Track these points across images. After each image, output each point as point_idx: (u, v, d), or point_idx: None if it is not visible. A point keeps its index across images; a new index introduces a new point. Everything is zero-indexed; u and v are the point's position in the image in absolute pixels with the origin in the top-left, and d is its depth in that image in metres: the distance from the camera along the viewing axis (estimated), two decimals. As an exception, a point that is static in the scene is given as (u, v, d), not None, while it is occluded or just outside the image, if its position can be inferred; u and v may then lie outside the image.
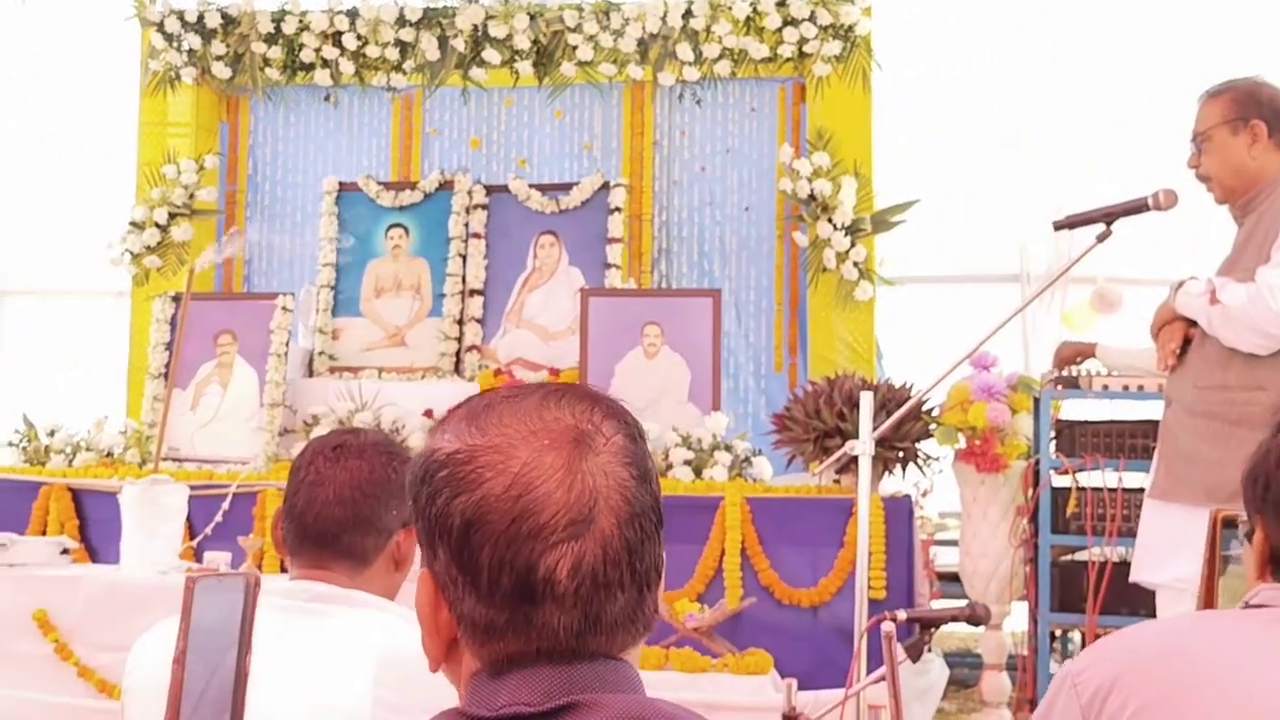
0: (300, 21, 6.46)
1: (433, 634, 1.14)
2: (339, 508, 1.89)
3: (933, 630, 2.95)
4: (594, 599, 1.06)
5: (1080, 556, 4.52)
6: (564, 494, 1.05)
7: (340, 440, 1.98)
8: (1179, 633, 1.56)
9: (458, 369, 6.04)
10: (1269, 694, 1.36)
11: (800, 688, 3.09)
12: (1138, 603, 4.02)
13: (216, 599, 1.49)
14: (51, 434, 5.50)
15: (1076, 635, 5.18)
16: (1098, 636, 4.28)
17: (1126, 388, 4.54)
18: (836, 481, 4.76)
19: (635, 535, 1.06)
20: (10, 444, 5.59)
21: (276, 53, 6.51)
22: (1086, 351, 4.56)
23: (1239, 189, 3.33)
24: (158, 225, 6.37)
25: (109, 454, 5.44)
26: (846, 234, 5.97)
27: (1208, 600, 1.75)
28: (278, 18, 6.49)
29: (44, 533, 4.95)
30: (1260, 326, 3.09)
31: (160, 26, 6.54)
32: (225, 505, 4.91)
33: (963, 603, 3.75)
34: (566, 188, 6.28)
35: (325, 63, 6.51)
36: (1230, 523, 1.73)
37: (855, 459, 3.48)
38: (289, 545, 1.93)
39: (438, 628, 1.14)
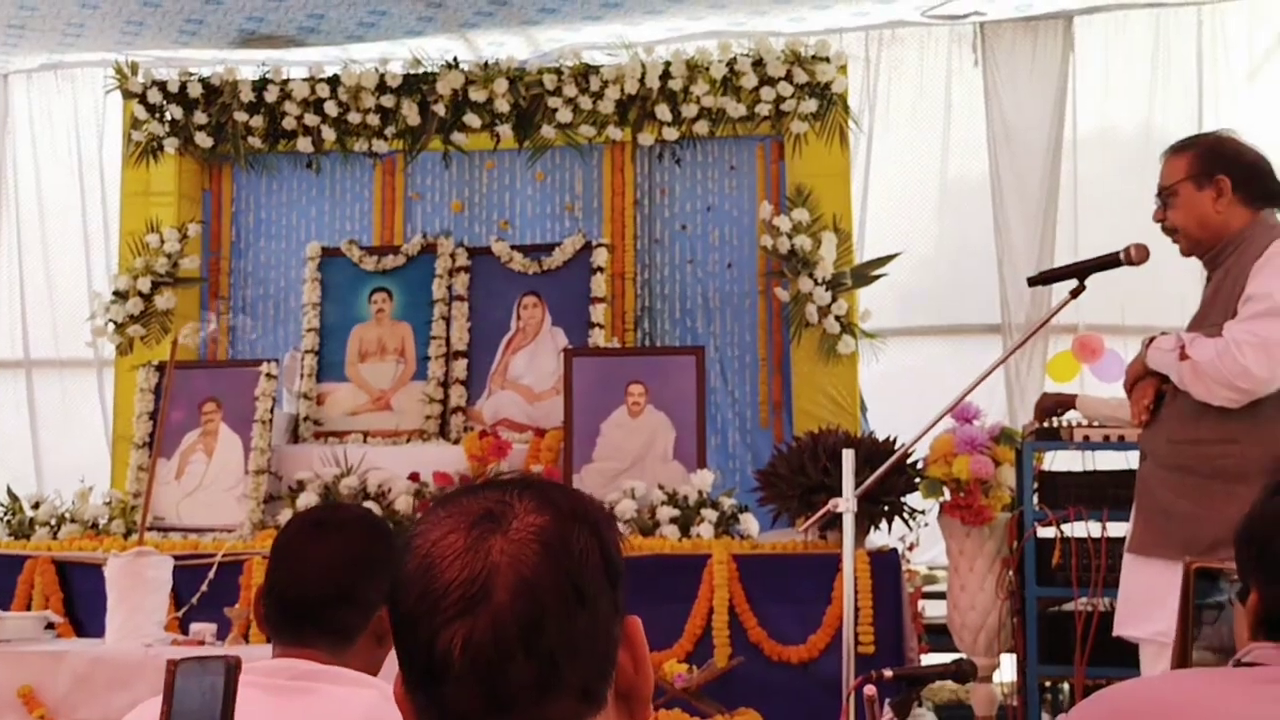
0: (282, 90, 6.53)
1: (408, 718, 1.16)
2: (321, 584, 1.90)
3: (921, 687, 2.96)
4: (490, 674, 1.07)
5: (1067, 607, 4.53)
6: (458, 571, 1.09)
7: (321, 516, 2.00)
8: (1173, 690, 1.58)
9: (443, 431, 6.06)
10: None
11: (790, 747, 3.10)
12: (1126, 654, 4.02)
13: (198, 682, 1.49)
14: (36, 506, 5.50)
15: (1066, 686, 5.17)
16: (1086, 688, 4.28)
17: (1107, 438, 4.57)
18: (823, 538, 4.78)
19: (531, 609, 1.08)
20: (-7, 518, 5.58)
21: (259, 121, 6.57)
22: (1067, 403, 4.60)
23: (1205, 242, 3.37)
24: (141, 294, 6.39)
25: (94, 525, 5.43)
26: (828, 289, 6.02)
27: (1180, 650, 1.76)
28: (259, 86, 6.55)
29: (29, 607, 4.94)
30: (1229, 381, 3.13)
31: (142, 98, 6.60)
32: (210, 575, 4.91)
33: (950, 658, 3.75)
34: (549, 248, 6.33)
35: (307, 130, 6.56)
36: (1204, 574, 1.75)
37: (840, 515, 3.50)
38: (270, 623, 1.93)
39: (411, 717, 1.16)
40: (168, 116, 6.60)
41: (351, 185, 6.79)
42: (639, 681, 1.17)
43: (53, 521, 5.43)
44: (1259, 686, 1.48)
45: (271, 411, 5.70)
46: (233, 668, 1.49)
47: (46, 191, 7.50)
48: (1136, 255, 3.16)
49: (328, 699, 1.82)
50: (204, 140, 6.57)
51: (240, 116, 6.55)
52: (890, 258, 6.27)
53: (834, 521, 4.36)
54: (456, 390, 6.13)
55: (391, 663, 2.03)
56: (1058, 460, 4.86)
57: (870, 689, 2.23)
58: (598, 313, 6.15)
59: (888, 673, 2.97)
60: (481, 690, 1.08)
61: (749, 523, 5.15)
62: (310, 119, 6.53)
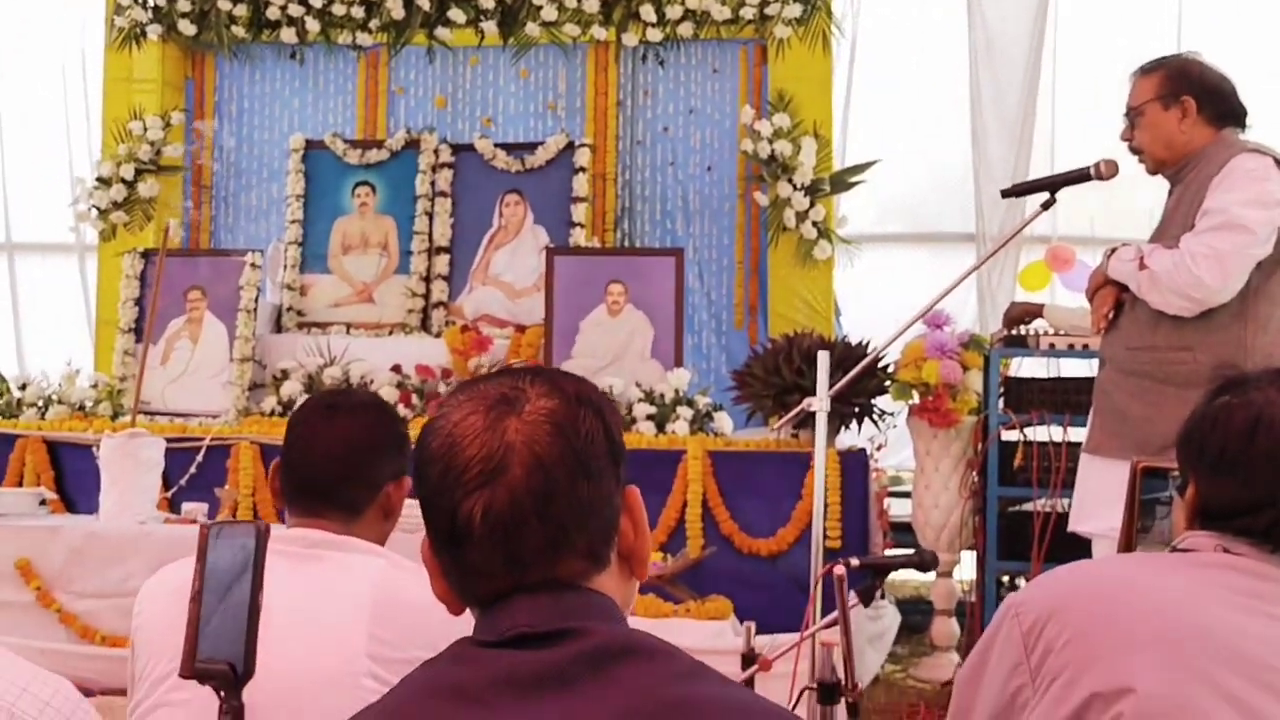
0: (267, -22, 6.50)
1: (435, 579, 1.30)
2: (332, 464, 2.03)
3: (884, 576, 3.12)
4: (507, 537, 1.22)
5: (1026, 507, 4.71)
6: (478, 448, 1.23)
7: (333, 400, 2.12)
8: (1112, 570, 1.73)
9: (425, 325, 6.16)
10: (1190, 626, 1.52)
11: (758, 631, 3.26)
12: (1079, 551, 4.21)
13: (230, 543, 1.62)
14: (23, 387, 5.58)
15: (1022, 581, 5.38)
16: (1041, 583, 4.48)
17: (1072, 346, 4.73)
18: (795, 436, 4.93)
19: (543, 483, 1.22)
20: (-19, 397, 5.67)
21: (242, 10, 6.55)
22: (1035, 311, 4.74)
23: (1169, 161, 3.49)
24: (124, 181, 6.42)
25: (80, 407, 5.53)
26: (806, 194, 6.11)
27: (1126, 542, 1.91)
28: (244, -26, 6.53)
29: (20, 484, 5.06)
30: (1184, 290, 3.27)
31: (126, -18, 6.57)
32: (199, 458, 5.03)
33: (909, 551, 3.93)
34: (531, 147, 6.38)
35: (291, 20, 6.56)
36: (1150, 472, 1.89)
37: (813, 415, 3.64)
38: (286, 496, 2.07)
39: (437, 573, 1.30)
40: (151, 2, 6.57)
41: (335, 78, 6.80)
42: (638, 545, 1.32)
43: (40, 403, 5.52)
44: (1192, 570, 1.63)
45: (256, 301, 5.78)
46: (262, 532, 1.62)
47: (28, 75, 7.46)
48: (1106, 170, 3.26)
49: (340, 565, 1.96)
50: (187, 28, 6.55)
51: (224, 4, 6.53)
52: (869, 165, 6.35)
53: (806, 421, 4.52)
54: (438, 285, 6.22)
55: (397, 534, 2.17)
56: (1024, 366, 5.01)
57: (839, 568, 2.38)
58: (579, 212, 6.23)
59: (853, 561, 3.12)
60: (500, 552, 1.23)
61: (723, 421, 5.29)
62: (294, 9, 6.52)
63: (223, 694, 1.38)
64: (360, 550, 2.00)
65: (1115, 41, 7.01)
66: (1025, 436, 4.67)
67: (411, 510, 2.80)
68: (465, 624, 1.62)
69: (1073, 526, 3.52)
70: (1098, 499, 3.38)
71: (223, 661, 1.42)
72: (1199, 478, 1.67)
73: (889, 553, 5.02)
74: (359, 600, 1.91)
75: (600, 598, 1.26)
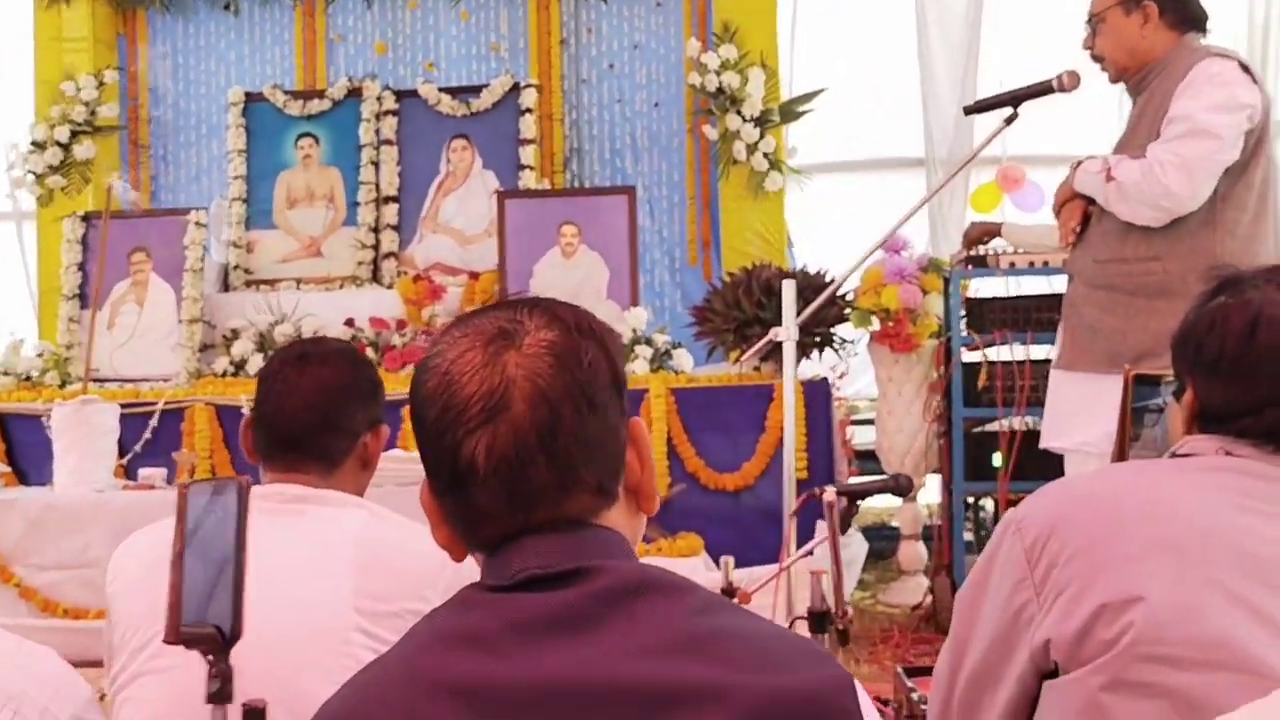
0: (195, -72, 6.34)
1: (437, 525, 1.25)
2: (308, 413, 1.97)
3: (860, 500, 3.11)
4: (513, 476, 1.16)
5: (991, 428, 4.72)
6: (478, 385, 1.17)
7: (304, 349, 2.06)
8: (1114, 479, 1.71)
9: (376, 277, 6.07)
10: (1198, 531, 1.50)
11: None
12: (1046, 469, 4.22)
13: (210, 502, 1.56)
14: (-33, 359, 5.46)
15: (989, 504, 5.41)
16: (1010, 502, 4.50)
17: (1032, 264, 4.72)
18: (757, 369, 4.90)
19: (548, 417, 1.16)
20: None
21: (173, -38, 6.39)
22: (993, 231, 4.72)
23: (1131, 68, 3.46)
24: (60, 144, 6.26)
25: (27, 377, 5.41)
26: (755, 126, 6.05)
27: (1120, 451, 1.89)
28: (173, -74, 6.35)
29: (-31, 457, 4.95)
30: (1153, 200, 3.25)
31: (49, -62, 6.37)
32: (154, 423, 4.94)
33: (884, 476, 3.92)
34: (476, 90, 6.27)
35: (223, -30, 6.40)
36: (1143, 380, 1.87)
37: (775, 347, 3.61)
38: (261, 451, 2.01)
39: (439, 519, 1.24)
40: (78, -42, 6.39)
41: (271, 28, 6.65)
42: (645, 477, 1.27)
43: (-15, 374, 5.40)
44: (1194, 474, 1.60)
45: (202, 260, 5.67)
46: (244, 488, 1.56)
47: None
48: (1069, 82, 3.24)
49: (321, 519, 1.91)
50: (117, -17, 6.38)
51: (153, -43, 6.36)
52: (816, 94, 6.30)
53: (768, 354, 4.50)
54: (388, 235, 6.12)
55: (376, 487, 2.12)
56: (984, 287, 5.01)
57: (830, 493, 2.36)
58: (527, 154, 6.14)
59: (830, 489, 3.12)
60: (506, 491, 1.17)
61: (682, 358, 5.26)
62: (227, -41, 6.36)
63: (211, 658, 1.33)
64: (341, 503, 1.95)
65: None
66: (988, 357, 4.67)
67: (393, 464, 2.75)
68: (453, 573, 1.57)
69: (1045, 443, 3.52)
70: (1070, 414, 3.38)
71: (209, 625, 1.37)
72: (1197, 380, 1.64)
73: (855, 480, 5.02)
74: (343, 554, 1.86)
75: (611, 534, 1.21)
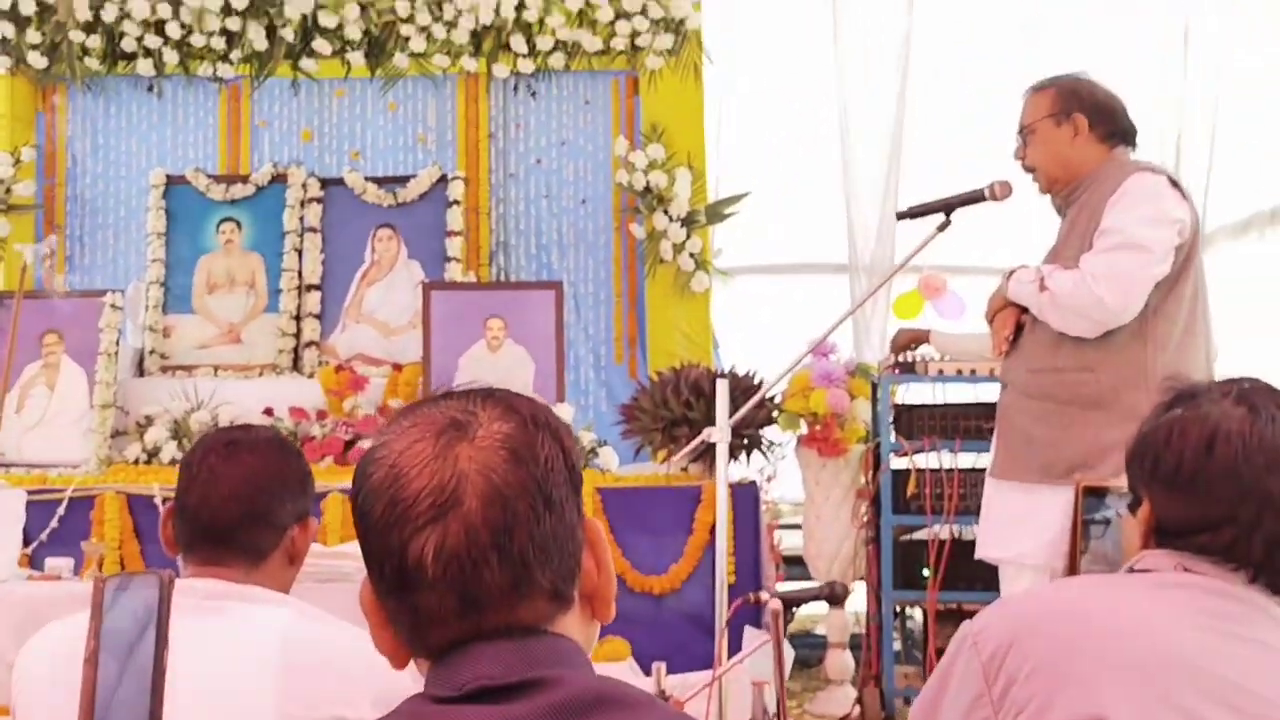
0: (121, 9, 6.27)
1: (379, 629, 1.17)
2: (234, 504, 1.88)
3: (795, 608, 3.06)
4: (463, 578, 1.09)
5: (920, 535, 4.70)
6: (427, 479, 1.10)
7: (232, 436, 1.97)
8: (1072, 594, 1.67)
9: (296, 366, 5.94)
10: (1159, 650, 1.47)
11: (655, 671, 3.16)
12: (976, 578, 4.22)
13: (128, 597, 1.47)
14: None
15: (918, 612, 5.38)
16: (939, 612, 4.47)
17: (960, 372, 4.75)
18: (684, 469, 4.85)
19: (502, 515, 1.10)
20: None
21: (96, 41, 6.31)
22: (921, 338, 4.75)
23: (1062, 179, 3.52)
24: (-29, 222, 6.11)
25: (-71, 461, 5.21)
26: (682, 225, 6.08)
27: (1071, 562, 1.87)
28: (97, 5, 6.27)
29: None
30: (1085, 310, 3.28)
31: (-30, 14, 6.27)
32: (61, 510, 4.75)
33: (810, 585, 3.88)
34: (403, 180, 6.23)
35: (148, 52, 6.33)
36: (1092, 492, 1.85)
37: (706, 447, 3.57)
38: (182, 543, 1.91)
39: (381, 623, 1.17)
40: (-2, 34, 6.29)
41: (195, 111, 6.56)
42: (602, 582, 1.20)
43: (-117, 458, 5.18)
44: (1154, 591, 1.58)
45: (117, 344, 5.52)
46: (166, 582, 1.48)
47: None
48: (1000, 192, 3.27)
49: (244, 617, 1.81)
50: (37, 60, 6.28)
51: (76, 36, 6.27)
52: (741, 196, 6.36)
53: (698, 455, 4.46)
54: (310, 323, 6.02)
55: (297, 584, 2.02)
56: (910, 394, 5.02)
57: (775, 603, 2.30)
58: (454, 246, 6.10)
59: (763, 595, 3.06)
60: (455, 594, 1.10)
61: (608, 456, 5.21)
62: (151, 40, 6.29)
63: (129, 767, 1.23)
64: (264, 600, 1.85)
65: (976, 68, 7.15)
66: (916, 464, 4.66)
67: (314, 559, 2.65)
68: (386, 679, 1.49)
69: (980, 553, 3.50)
70: (1006, 524, 3.36)
71: (128, 732, 1.27)
72: (1153, 495, 1.62)
73: (782, 586, 4.98)
74: (267, 655, 1.76)
75: (567, 643, 1.14)
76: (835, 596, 3.13)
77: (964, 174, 4.01)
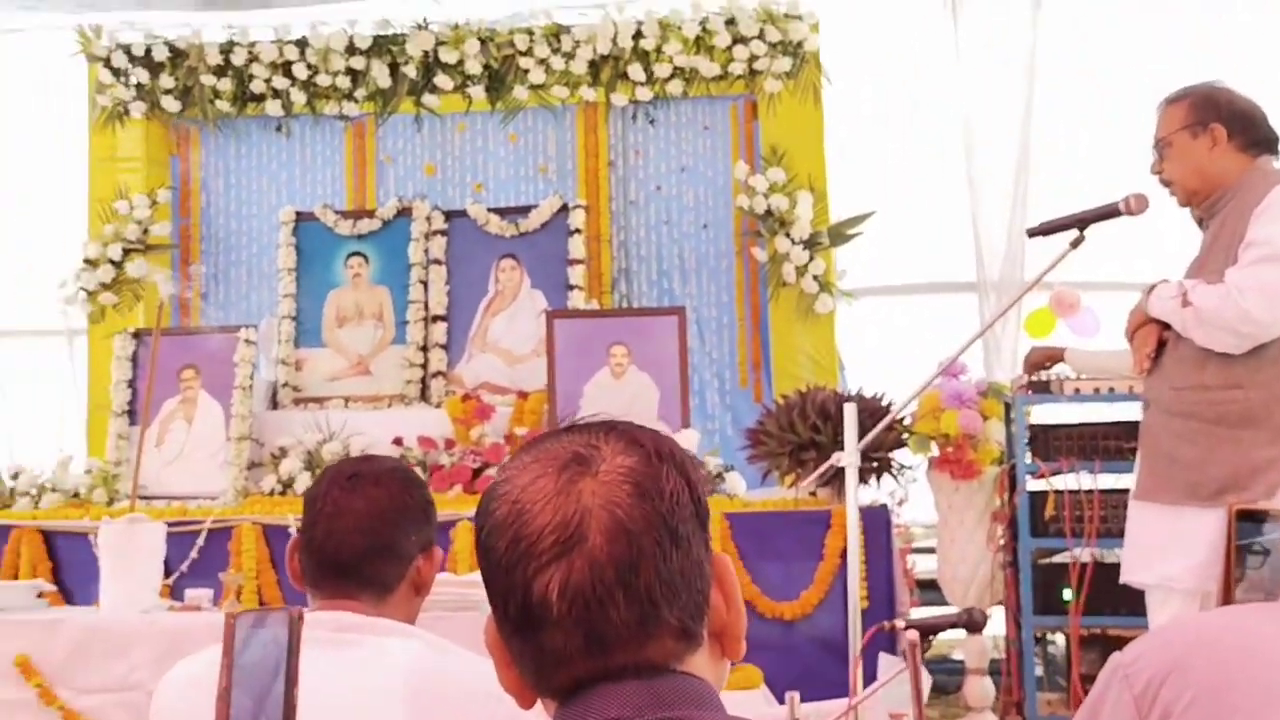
0: (249, 52, 6.45)
1: (504, 668, 1.15)
2: (359, 537, 1.88)
3: (932, 636, 2.98)
4: (589, 617, 1.07)
5: (1060, 559, 4.57)
6: (550, 515, 1.07)
7: (355, 469, 1.97)
8: (1231, 621, 1.58)
9: (424, 396, 6.02)
10: None
11: (790, 700, 3.10)
12: (1119, 602, 4.08)
13: (259, 634, 1.48)
14: (15, 477, 5.42)
15: (1059, 638, 5.23)
16: (1082, 638, 4.33)
17: (1098, 390, 4.61)
18: (813, 494, 4.79)
19: (628, 551, 1.07)
20: (-28, 488, 5.50)
21: (226, 84, 6.49)
22: (1056, 356, 4.62)
23: (1201, 192, 3.40)
24: (112, 262, 6.31)
25: (75, 494, 5.37)
26: (804, 248, 6.03)
27: (1225, 590, 1.77)
28: (226, 49, 6.47)
29: (16, 576, 4.87)
30: (1232, 326, 3.16)
31: (107, 61, 6.50)
32: (200, 541, 4.86)
33: (944, 612, 3.78)
34: (525, 211, 6.28)
35: (276, 93, 6.50)
36: (1245, 515, 1.76)
37: (834, 471, 3.51)
38: (309, 577, 1.91)
39: (506, 662, 1.14)
40: (133, 80, 6.50)
41: (322, 149, 6.71)
42: (732, 619, 1.16)
43: (33, 491, 5.35)
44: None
45: (251, 377, 5.65)
46: (295, 619, 1.48)
47: (10, 159, 7.33)
48: (1135, 205, 3.17)
49: (374, 650, 1.81)
50: (171, 104, 6.48)
51: (207, 80, 6.46)
52: (866, 216, 6.28)
53: (825, 478, 4.39)
54: (436, 354, 6.09)
55: (425, 612, 2.02)
56: (1046, 414, 4.89)
57: (912, 634, 2.24)
58: (576, 274, 6.13)
59: (899, 623, 2.99)
60: (581, 633, 1.07)
61: (735, 481, 5.16)
62: (279, 82, 6.46)
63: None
64: (394, 633, 1.85)
65: (1104, 81, 6.97)
66: (1054, 485, 4.53)
67: (443, 588, 2.65)
68: (515, 712, 1.46)
69: (1125, 577, 3.38)
70: (1151, 547, 3.24)
71: (260, 766, 1.27)
72: None
73: (917, 611, 4.87)
74: (395, 690, 1.75)
75: (697, 682, 1.10)
76: (973, 623, 3.04)
77: (1094, 187, 3.90)
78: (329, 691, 1.74)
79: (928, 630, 3.00)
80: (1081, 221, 3.21)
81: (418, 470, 5.23)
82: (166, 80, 6.48)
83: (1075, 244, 3.21)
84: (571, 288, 6.10)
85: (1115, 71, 6.97)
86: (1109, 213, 3.20)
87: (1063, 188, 6.79)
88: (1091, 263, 6.49)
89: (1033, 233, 3.35)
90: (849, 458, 3.34)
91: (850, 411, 3.36)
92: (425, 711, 1.73)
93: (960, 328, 6.16)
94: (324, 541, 1.90)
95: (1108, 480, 4.42)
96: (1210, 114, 3.35)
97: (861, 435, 3.47)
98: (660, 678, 1.08)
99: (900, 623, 2.96)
